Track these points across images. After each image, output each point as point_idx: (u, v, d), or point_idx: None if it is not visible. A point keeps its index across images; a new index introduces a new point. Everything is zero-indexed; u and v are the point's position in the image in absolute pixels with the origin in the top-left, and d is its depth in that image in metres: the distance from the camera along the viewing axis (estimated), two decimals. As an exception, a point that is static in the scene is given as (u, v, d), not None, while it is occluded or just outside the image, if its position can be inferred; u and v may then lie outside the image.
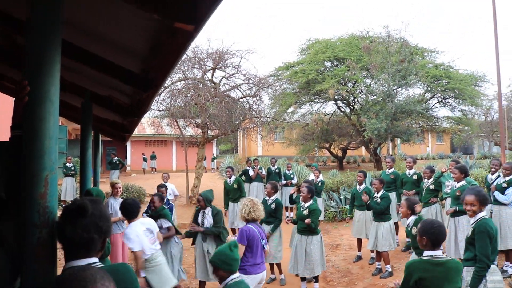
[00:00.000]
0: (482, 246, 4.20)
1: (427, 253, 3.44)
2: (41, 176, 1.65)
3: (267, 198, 7.63)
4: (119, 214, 6.97)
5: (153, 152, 33.51)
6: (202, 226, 6.63)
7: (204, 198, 6.66)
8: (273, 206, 7.51)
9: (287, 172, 13.73)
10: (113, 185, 7.39)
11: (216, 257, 3.38)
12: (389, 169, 9.65)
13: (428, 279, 3.31)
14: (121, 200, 7.33)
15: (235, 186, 11.00)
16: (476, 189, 4.55)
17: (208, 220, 6.62)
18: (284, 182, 13.52)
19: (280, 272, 7.60)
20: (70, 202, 1.77)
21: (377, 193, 7.80)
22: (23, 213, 1.67)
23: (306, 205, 6.86)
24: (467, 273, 4.33)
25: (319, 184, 11.43)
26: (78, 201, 1.71)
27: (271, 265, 7.63)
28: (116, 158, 19.03)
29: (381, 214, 7.58)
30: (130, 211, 5.41)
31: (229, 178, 11.34)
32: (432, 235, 3.42)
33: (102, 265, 1.76)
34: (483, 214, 4.40)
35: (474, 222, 4.41)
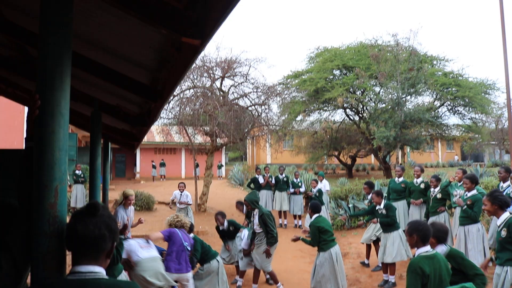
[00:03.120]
0: None
1: (422, 249, 3.69)
2: (51, 187, 1.70)
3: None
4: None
5: (162, 160, 33.67)
6: (253, 227, 7.24)
7: (249, 201, 7.14)
8: None
9: (295, 180, 13.75)
10: (126, 197, 7.26)
11: None
12: (398, 178, 9.64)
13: (431, 274, 3.53)
14: (131, 209, 7.30)
15: None
16: (492, 193, 4.86)
17: (255, 221, 7.16)
18: (292, 190, 13.54)
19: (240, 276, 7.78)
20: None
21: (379, 205, 7.74)
22: (33, 222, 1.72)
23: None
24: None
25: (317, 194, 11.82)
26: (87, 203, 1.75)
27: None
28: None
29: (387, 225, 7.54)
30: None
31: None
32: (421, 231, 3.70)
33: (106, 277, 1.73)
34: (507, 215, 4.65)
35: (503, 222, 4.66)
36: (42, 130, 1.71)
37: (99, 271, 1.70)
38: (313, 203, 6.77)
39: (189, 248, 6.15)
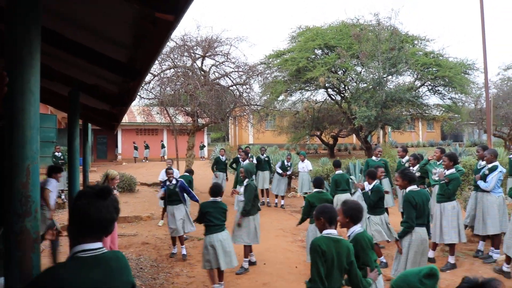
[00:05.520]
0: (408, 212, 5.42)
1: (326, 231, 3.69)
2: (23, 166, 1.67)
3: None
4: None
5: (145, 142, 33.51)
6: (240, 195, 7.73)
7: (245, 170, 7.66)
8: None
9: (286, 162, 13.85)
10: (112, 178, 7.17)
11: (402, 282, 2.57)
12: (376, 158, 9.76)
13: (329, 253, 3.50)
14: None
15: None
16: (402, 170, 5.78)
17: (241, 189, 7.66)
18: (280, 171, 13.61)
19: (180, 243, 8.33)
20: (88, 186, 1.95)
21: (370, 185, 7.65)
22: (5, 202, 1.68)
23: None
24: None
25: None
26: (98, 186, 1.88)
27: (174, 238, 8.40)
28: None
29: (373, 208, 7.27)
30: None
31: (243, 161, 12.45)
32: (327, 214, 3.74)
33: (106, 250, 1.90)
34: (411, 188, 5.54)
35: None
36: (11, 108, 1.66)
37: (102, 246, 1.89)
38: (317, 178, 7.21)
39: None
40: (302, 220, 7.17)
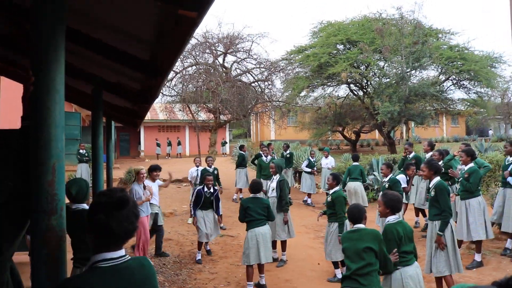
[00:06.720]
0: (444, 201, 5.39)
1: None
2: (48, 164, 1.68)
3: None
4: (143, 198, 7.18)
5: (168, 139, 33.87)
6: (267, 190, 8.03)
7: (276, 165, 7.94)
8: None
9: (311, 159, 13.76)
10: (137, 172, 7.50)
11: None
12: (409, 155, 9.62)
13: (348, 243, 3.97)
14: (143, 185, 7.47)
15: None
16: (429, 161, 6.13)
17: (272, 184, 7.89)
18: (308, 170, 13.49)
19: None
20: (102, 194, 1.84)
21: (385, 177, 7.77)
22: (31, 200, 1.70)
23: (331, 192, 6.83)
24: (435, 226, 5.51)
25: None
26: (116, 194, 1.79)
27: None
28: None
29: None
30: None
31: (265, 157, 12.41)
32: (349, 214, 4.22)
33: (129, 257, 1.84)
34: (438, 179, 5.57)
35: (434, 184, 5.54)
36: (37, 107, 1.68)
37: (123, 254, 1.82)
38: (337, 175, 7.19)
39: None
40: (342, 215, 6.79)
